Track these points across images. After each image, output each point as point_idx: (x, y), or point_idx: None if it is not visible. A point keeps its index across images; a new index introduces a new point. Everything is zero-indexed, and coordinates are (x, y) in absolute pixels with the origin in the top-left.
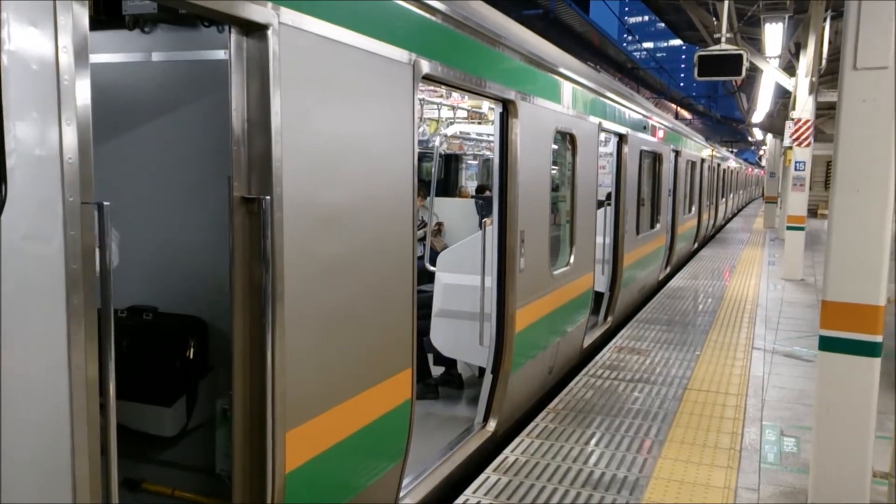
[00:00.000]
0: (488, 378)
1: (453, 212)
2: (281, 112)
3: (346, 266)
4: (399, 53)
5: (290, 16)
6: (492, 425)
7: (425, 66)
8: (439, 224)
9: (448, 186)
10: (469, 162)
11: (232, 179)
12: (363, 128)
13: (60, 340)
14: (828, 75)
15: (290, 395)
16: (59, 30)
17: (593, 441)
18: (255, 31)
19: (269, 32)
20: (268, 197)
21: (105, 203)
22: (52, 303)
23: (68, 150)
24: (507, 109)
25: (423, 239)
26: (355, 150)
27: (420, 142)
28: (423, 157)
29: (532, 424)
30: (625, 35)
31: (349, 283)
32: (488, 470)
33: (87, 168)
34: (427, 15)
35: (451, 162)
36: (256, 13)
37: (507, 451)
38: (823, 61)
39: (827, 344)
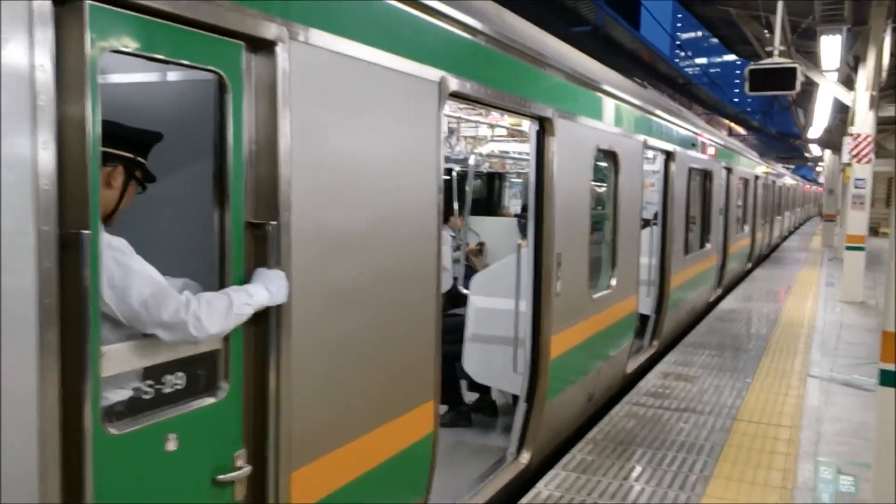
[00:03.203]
0: (522, 407)
1: (495, 231)
2: (290, 133)
3: (362, 294)
4: (423, 70)
5: (301, 31)
6: (525, 457)
7: (452, 84)
8: (481, 244)
9: (491, 205)
10: (513, 180)
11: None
12: (382, 148)
13: (31, 378)
14: (889, 89)
15: (297, 433)
16: (36, 47)
17: (634, 476)
18: (262, 48)
19: (278, 49)
20: (274, 222)
21: (84, 231)
22: (24, 338)
23: (44, 175)
24: (544, 127)
25: (460, 261)
26: (373, 171)
27: (459, 160)
28: (464, 177)
29: (568, 456)
30: (677, 51)
31: (364, 313)
32: None
33: (78, 195)
34: (455, 30)
35: (494, 180)
36: (264, 29)
37: (540, 485)
38: (884, 74)
39: (887, 378)
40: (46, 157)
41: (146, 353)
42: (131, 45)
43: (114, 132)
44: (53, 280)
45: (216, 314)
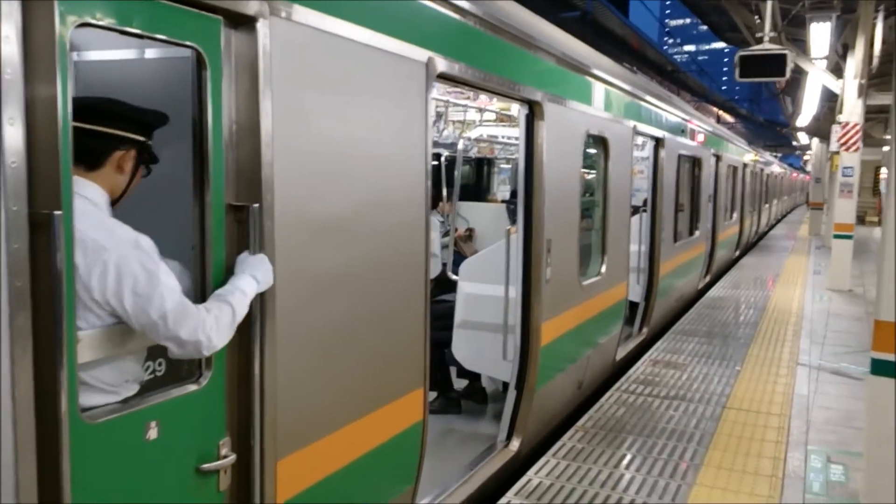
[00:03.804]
0: (512, 394)
1: (484, 217)
2: (272, 113)
3: (348, 280)
4: (410, 50)
5: (283, 7)
6: (515, 444)
7: (440, 65)
8: (470, 230)
9: (480, 191)
10: (502, 166)
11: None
12: (367, 130)
13: (3, 364)
14: (877, 77)
15: (283, 420)
16: (1, 18)
17: (624, 464)
18: (242, 24)
19: (259, 26)
20: (256, 205)
21: (56, 212)
22: None
23: (11, 152)
24: (533, 111)
25: (449, 246)
26: (359, 154)
27: (448, 145)
28: (453, 162)
29: (559, 444)
30: (665, 38)
31: (351, 298)
32: (509, 493)
33: (48, 174)
34: (443, 10)
35: (483, 166)
36: (244, 4)
37: (530, 473)
38: (875, 60)
39: (879, 367)
40: (14, 133)
41: (124, 338)
42: (103, 18)
43: (129, 115)
44: (24, 262)
45: (224, 329)
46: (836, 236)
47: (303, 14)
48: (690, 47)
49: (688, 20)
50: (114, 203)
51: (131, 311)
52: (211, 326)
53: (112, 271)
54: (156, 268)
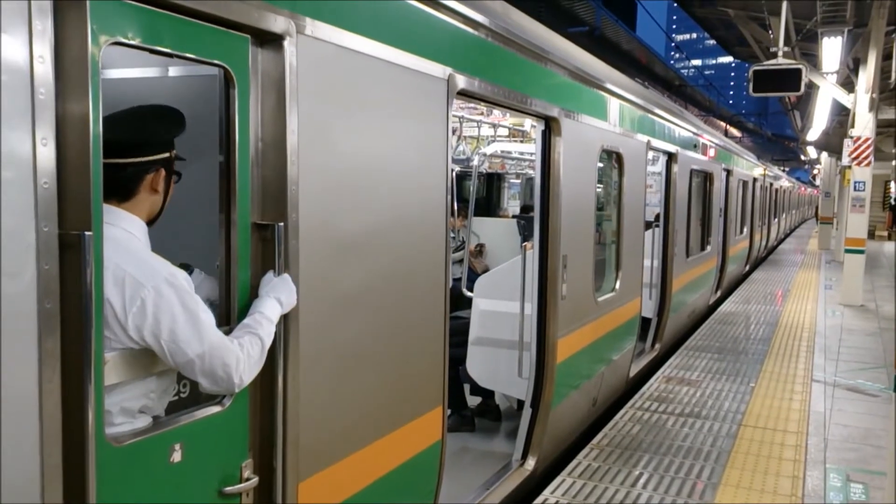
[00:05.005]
0: (527, 412)
1: (495, 232)
2: (298, 130)
3: (370, 297)
4: (432, 67)
5: (308, 25)
6: (531, 463)
7: (461, 82)
8: (480, 245)
9: (490, 206)
10: (512, 181)
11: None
12: (392, 147)
13: (31, 387)
14: (887, 91)
15: (305, 441)
16: (35, 37)
17: (640, 483)
18: (269, 41)
19: (286, 43)
20: (281, 224)
21: (87, 233)
22: (22, 346)
23: (43, 173)
24: (550, 127)
25: (461, 261)
26: (383, 171)
27: (460, 161)
28: (465, 177)
29: (574, 462)
30: (672, 52)
31: (373, 317)
32: None
33: (79, 194)
34: (464, 27)
35: (494, 181)
36: (271, 22)
37: (546, 493)
38: (894, 75)
39: None
40: (46, 153)
41: (150, 361)
42: (135, 37)
43: (148, 137)
44: (54, 283)
45: (254, 366)
46: (848, 251)
47: (328, 32)
48: (697, 62)
49: (694, 35)
50: (155, 220)
51: (168, 350)
52: (244, 368)
53: (150, 309)
54: (195, 305)
